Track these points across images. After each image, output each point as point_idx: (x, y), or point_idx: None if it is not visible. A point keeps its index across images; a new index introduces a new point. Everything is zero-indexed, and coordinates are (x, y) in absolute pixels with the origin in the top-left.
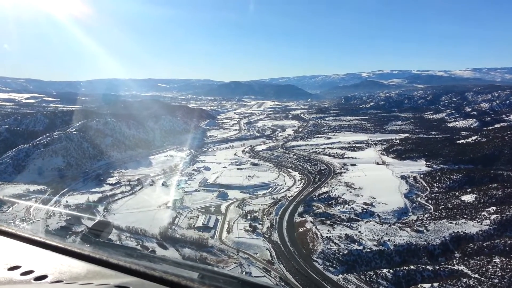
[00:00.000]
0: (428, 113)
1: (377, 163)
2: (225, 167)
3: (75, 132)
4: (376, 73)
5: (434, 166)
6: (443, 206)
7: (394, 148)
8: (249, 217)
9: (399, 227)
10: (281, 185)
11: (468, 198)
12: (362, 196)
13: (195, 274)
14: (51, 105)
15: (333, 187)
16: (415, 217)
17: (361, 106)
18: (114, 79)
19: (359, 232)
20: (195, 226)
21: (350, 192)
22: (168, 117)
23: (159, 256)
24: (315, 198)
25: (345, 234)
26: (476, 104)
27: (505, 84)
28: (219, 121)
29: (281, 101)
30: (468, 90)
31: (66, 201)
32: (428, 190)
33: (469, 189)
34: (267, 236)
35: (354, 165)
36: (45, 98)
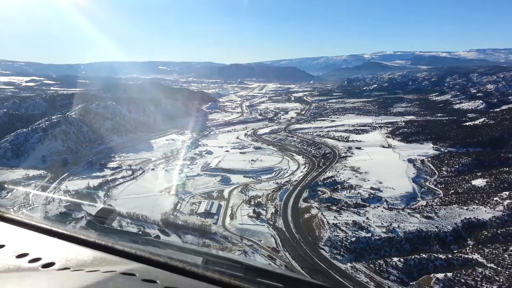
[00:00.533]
0: (433, 94)
1: (383, 146)
2: (227, 151)
3: (74, 116)
4: (379, 54)
5: (442, 149)
6: (453, 191)
7: (400, 131)
8: (252, 202)
9: (408, 213)
10: (285, 169)
11: (479, 182)
12: (368, 180)
13: (199, 259)
14: (51, 88)
15: (338, 172)
16: (424, 203)
17: (364, 88)
18: (115, 62)
19: (367, 218)
20: (198, 212)
21: (356, 176)
22: (169, 100)
23: (164, 241)
24: (320, 183)
25: (353, 221)
26: (482, 85)
27: (510, 65)
28: (221, 104)
29: (283, 83)
30: (472, 71)
31: (66, 187)
32: (437, 174)
33: (480, 173)
34: (272, 223)
35: (359, 148)
36: (45, 81)
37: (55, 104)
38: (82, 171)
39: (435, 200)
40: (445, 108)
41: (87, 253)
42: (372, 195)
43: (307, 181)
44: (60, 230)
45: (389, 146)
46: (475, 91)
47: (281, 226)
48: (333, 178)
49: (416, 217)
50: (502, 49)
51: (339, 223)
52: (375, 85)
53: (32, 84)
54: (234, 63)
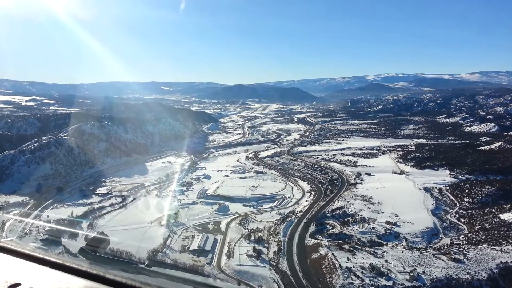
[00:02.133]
0: (440, 116)
1: (395, 173)
2: (226, 175)
3: (65, 137)
4: (382, 76)
5: (460, 177)
6: (479, 227)
7: (412, 155)
8: (252, 237)
9: (433, 255)
10: (289, 197)
11: (508, 217)
12: (382, 212)
13: None
14: (51, 107)
15: (348, 201)
16: (448, 241)
17: (369, 110)
18: (118, 82)
19: (386, 261)
20: (190, 248)
21: (368, 207)
22: (168, 120)
23: (155, 270)
24: (328, 215)
25: (369, 264)
26: (489, 107)
27: None
28: (222, 124)
29: (286, 104)
30: (478, 94)
31: (47, 216)
32: (458, 205)
33: (507, 206)
34: (274, 264)
35: (369, 174)
36: (45, 101)
37: (49, 124)
38: (68, 197)
39: (461, 238)
40: (456, 131)
41: (78, 283)
42: (388, 231)
43: (313, 212)
44: (52, 259)
45: (402, 172)
46: (484, 113)
47: (286, 269)
48: (342, 209)
49: (442, 260)
50: (505, 72)
51: (353, 267)
52: (380, 107)
53: (32, 103)
54: (236, 83)
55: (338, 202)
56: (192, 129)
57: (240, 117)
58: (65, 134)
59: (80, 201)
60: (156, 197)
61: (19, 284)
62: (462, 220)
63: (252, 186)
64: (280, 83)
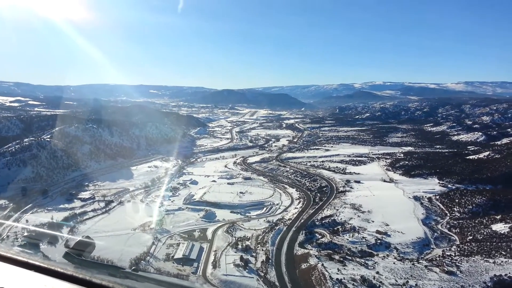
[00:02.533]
0: (428, 125)
1: (384, 181)
2: (214, 181)
3: (48, 139)
4: (369, 84)
5: (449, 186)
6: (471, 237)
7: (401, 164)
8: (240, 246)
9: (426, 266)
10: (277, 204)
11: (500, 228)
12: (373, 222)
13: None
14: (35, 109)
15: (337, 210)
16: (440, 252)
17: (357, 117)
18: (106, 84)
19: (377, 273)
20: (174, 257)
21: (358, 216)
22: (155, 124)
23: (142, 274)
24: (317, 223)
25: (361, 276)
26: (475, 117)
27: (499, 97)
28: (210, 129)
29: (275, 110)
30: (464, 103)
31: (27, 221)
32: (448, 215)
33: (498, 217)
34: (262, 274)
35: (358, 182)
36: (30, 102)
37: (32, 126)
38: (49, 202)
39: (452, 249)
40: (443, 140)
41: (64, 287)
42: (379, 241)
43: (302, 220)
44: (37, 263)
45: (391, 181)
46: (471, 122)
47: (274, 280)
48: (332, 218)
49: (435, 272)
50: (490, 82)
51: (344, 278)
52: (368, 114)
53: (16, 104)
54: (225, 88)
55: (327, 210)
56: (179, 133)
57: (228, 122)
58: (48, 136)
59: (62, 206)
60: (140, 202)
61: None
62: (453, 230)
63: (240, 192)
64: (269, 88)
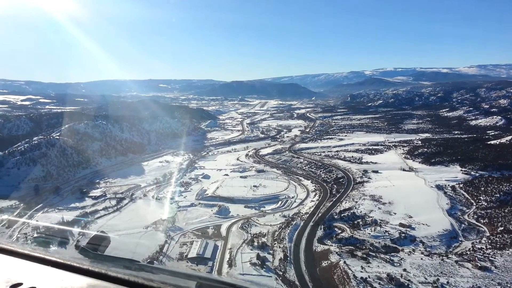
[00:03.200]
0: (443, 110)
1: (404, 170)
2: (226, 174)
3: (57, 137)
4: (380, 71)
5: (472, 173)
6: (502, 228)
7: (419, 151)
8: (256, 243)
9: (456, 262)
10: (292, 197)
11: None
12: (395, 214)
13: (192, 283)
14: (46, 107)
15: (356, 202)
16: (469, 245)
17: (369, 104)
18: (116, 80)
19: (404, 270)
20: (188, 256)
21: (379, 208)
22: (165, 118)
23: (157, 266)
24: (336, 217)
25: (387, 274)
26: (492, 100)
27: None
28: (221, 121)
29: (285, 100)
30: (479, 87)
31: (37, 221)
32: (474, 204)
33: None
34: (281, 273)
35: (376, 172)
36: (41, 100)
37: (42, 124)
38: (59, 201)
39: (483, 241)
40: (461, 125)
41: (81, 281)
42: (403, 235)
43: (320, 214)
44: (53, 259)
45: (411, 169)
46: (488, 106)
47: (294, 279)
48: (351, 211)
49: (467, 268)
50: (504, 65)
51: (369, 277)
52: (381, 101)
53: (27, 103)
54: (235, 80)
55: (345, 202)
56: (190, 126)
57: (239, 114)
58: (58, 134)
59: (72, 205)
60: (152, 199)
61: (20, 284)
62: (482, 221)
63: (253, 186)
64: (278, 79)
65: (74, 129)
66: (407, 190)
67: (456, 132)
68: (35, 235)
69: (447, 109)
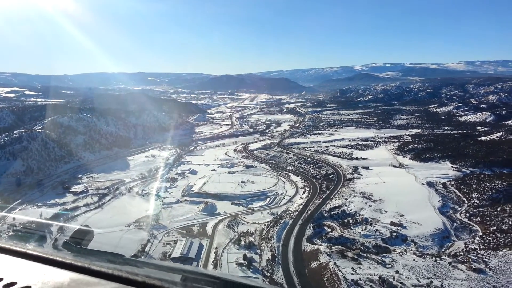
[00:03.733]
0: (432, 106)
1: (394, 166)
2: (214, 170)
3: (39, 130)
4: (369, 66)
5: (464, 170)
6: (495, 228)
7: (410, 147)
8: (242, 243)
9: (450, 263)
10: (281, 194)
11: None
12: (385, 212)
13: (177, 277)
14: (32, 99)
15: (347, 199)
16: (462, 244)
17: (359, 99)
18: (104, 73)
19: (397, 272)
20: (171, 256)
21: (369, 206)
22: (152, 111)
23: (142, 260)
24: (325, 214)
25: (379, 277)
26: (481, 96)
27: (503, 76)
28: (210, 115)
29: (275, 94)
30: (467, 83)
31: (14, 219)
32: (466, 202)
33: None
34: (268, 275)
35: (366, 168)
36: (26, 92)
37: (23, 116)
38: (39, 197)
39: (476, 241)
40: (450, 121)
41: (64, 275)
42: (394, 234)
43: (309, 212)
44: (35, 253)
45: (401, 166)
46: (477, 102)
47: (281, 280)
48: (341, 208)
49: (461, 270)
50: (491, 61)
51: (360, 279)
52: (370, 96)
53: (12, 95)
54: (224, 74)
55: (335, 199)
56: (178, 120)
57: (228, 108)
58: (40, 127)
59: (52, 201)
60: (136, 195)
61: (1, 279)
62: (474, 219)
63: (241, 182)
64: (268, 73)
65: (57, 122)
66: (398, 187)
67: (446, 128)
68: (11, 233)
69: (436, 105)
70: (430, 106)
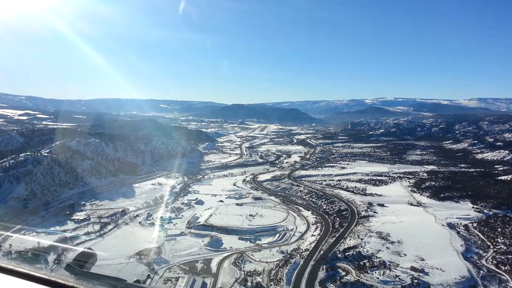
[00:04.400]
0: (447, 142)
1: (411, 204)
2: (221, 201)
3: (45, 154)
4: (380, 100)
5: (486, 211)
6: None
7: (427, 184)
8: (249, 283)
9: None
10: (291, 230)
11: None
12: (405, 255)
13: None
14: (43, 122)
15: (362, 239)
16: None
17: (370, 133)
18: (117, 99)
19: None
20: None
21: (387, 248)
22: (161, 138)
23: (145, 286)
24: (340, 255)
25: None
26: (496, 134)
27: None
28: (219, 144)
29: (285, 125)
30: (481, 120)
31: (10, 245)
32: (492, 247)
33: None
34: None
35: (382, 205)
36: (38, 115)
37: (32, 139)
38: (40, 223)
39: None
40: (466, 158)
41: None
42: (415, 280)
43: (322, 252)
44: (38, 275)
45: (419, 204)
46: (492, 140)
47: None
48: (357, 249)
49: None
50: (503, 99)
51: None
52: (382, 130)
53: (24, 117)
54: (235, 103)
55: (350, 239)
56: (187, 148)
57: (238, 137)
58: (48, 151)
59: (52, 228)
60: (139, 225)
61: None
62: (502, 267)
63: (250, 215)
64: (279, 103)
65: (65, 146)
66: (417, 228)
67: (463, 165)
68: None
69: (450, 141)
70: (444, 142)
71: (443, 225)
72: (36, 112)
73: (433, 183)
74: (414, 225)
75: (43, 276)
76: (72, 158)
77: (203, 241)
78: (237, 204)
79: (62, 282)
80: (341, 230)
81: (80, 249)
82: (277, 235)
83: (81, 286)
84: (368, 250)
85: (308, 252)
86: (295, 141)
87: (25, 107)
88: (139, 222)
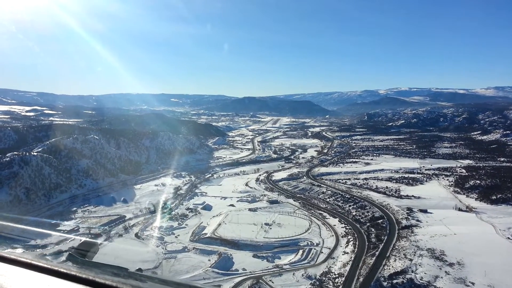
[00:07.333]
0: (475, 133)
1: (460, 209)
2: (232, 205)
3: (35, 154)
4: (394, 90)
5: None
6: None
7: (471, 183)
8: None
9: None
10: (317, 244)
11: None
12: (472, 284)
13: None
14: (50, 118)
15: (411, 260)
16: None
17: (390, 124)
18: (128, 93)
19: None
20: None
21: (446, 272)
22: (168, 133)
23: (146, 275)
24: (385, 284)
25: None
26: None
27: None
28: (230, 138)
29: (298, 117)
30: (505, 109)
31: None
32: None
33: None
34: None
35: (425, 211)
36: (46, 111)
37: (27, 136)
38: (16, 237)
39: None
40: (503, 151)
41: (68, 287)
42: None
43: (360, 278)
44: (40, 264)
45: (469, 209)
46: None
47: None
48: (407, 276)
49: None
50: None
51: None
52: (402, 121)
53: (31, 113)
54: (247, 96)
55: (395, 259)
56: (195, 143)
57: (249, 131)
58: (40, 150)
59: (33, 242)
60: (135, 237)
61: None
62: None
63: (265, 224)
64: (290, 96)
65: (60, 144)
66: (477, 243)
67: (502, 159)
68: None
69: (479, 132)
70: (472, 134)
71: (508, 238)
72: (44, 108)
73: (478, 181)
74: (472, 238)
75: (45, 265)
76: (67, 157)
77: (209, 260)
78: (250, 210)
79: (65, 271)
80: (380, 246)
81: (82, 238)
82: (301, 251)
83: (83, 274)
84: (422, 277)
85: (343, 279)
86: (309, 134)
87: (35, 103)
88: (135, 234)
